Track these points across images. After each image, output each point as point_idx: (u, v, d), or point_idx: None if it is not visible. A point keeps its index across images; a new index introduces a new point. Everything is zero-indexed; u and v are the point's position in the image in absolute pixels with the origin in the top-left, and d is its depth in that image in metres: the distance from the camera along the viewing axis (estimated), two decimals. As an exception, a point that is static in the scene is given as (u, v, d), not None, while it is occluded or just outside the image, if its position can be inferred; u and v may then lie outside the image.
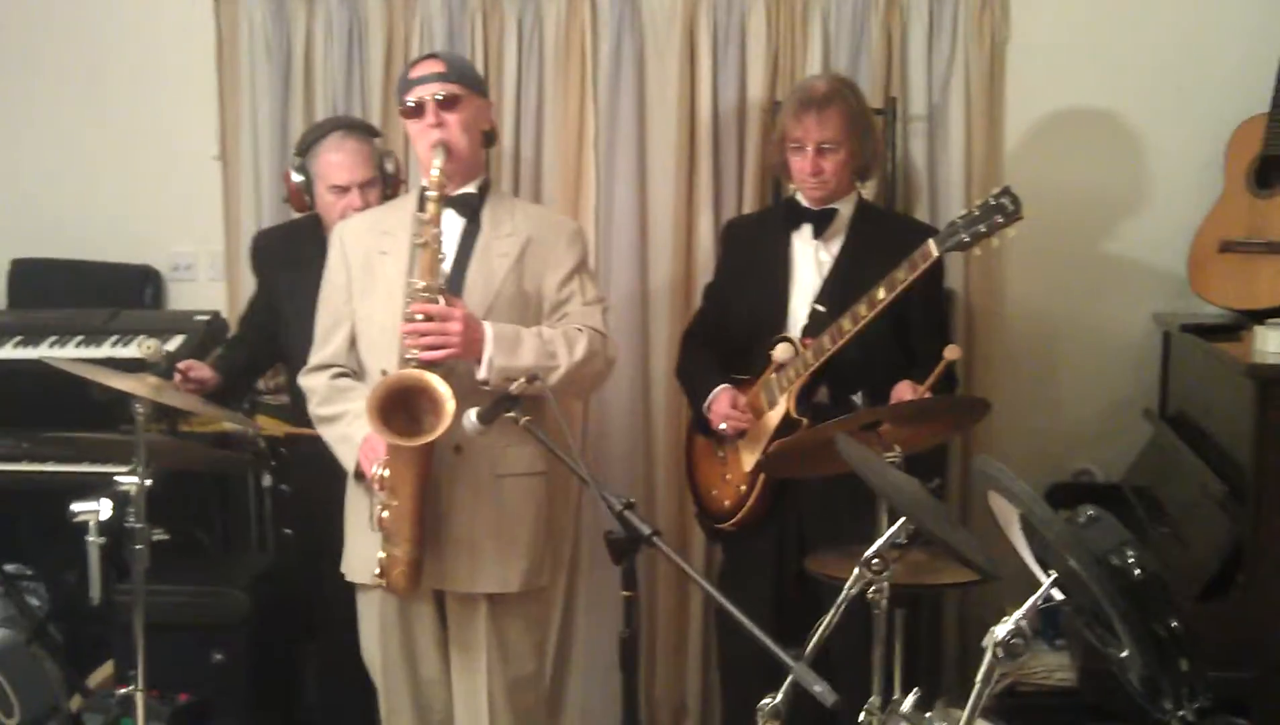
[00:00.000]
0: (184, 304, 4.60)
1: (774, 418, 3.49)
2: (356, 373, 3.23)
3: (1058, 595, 2.05)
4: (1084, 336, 4.30)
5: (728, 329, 3.71)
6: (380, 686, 3.28)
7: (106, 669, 4.02)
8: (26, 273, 4.62)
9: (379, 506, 3.01)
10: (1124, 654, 1.96)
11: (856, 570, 2.57)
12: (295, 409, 3.60)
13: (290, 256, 3.76)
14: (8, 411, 4.21)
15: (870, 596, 2.69)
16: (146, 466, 3.24)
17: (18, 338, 4.23)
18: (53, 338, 4.22)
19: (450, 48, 4.30)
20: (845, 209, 3.60)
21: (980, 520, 3.85)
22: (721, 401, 3.58)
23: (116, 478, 3.24)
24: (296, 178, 3.72)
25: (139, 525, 3.23)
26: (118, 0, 4.60)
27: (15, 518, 4.28)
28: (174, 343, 4.09)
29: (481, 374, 3.01)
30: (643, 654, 4.31)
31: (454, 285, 3.10)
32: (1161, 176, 4.22)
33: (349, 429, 3.14)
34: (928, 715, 2.72)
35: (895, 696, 2.93)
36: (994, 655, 2.01)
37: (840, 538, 3.10)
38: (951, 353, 3.28)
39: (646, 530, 2.46)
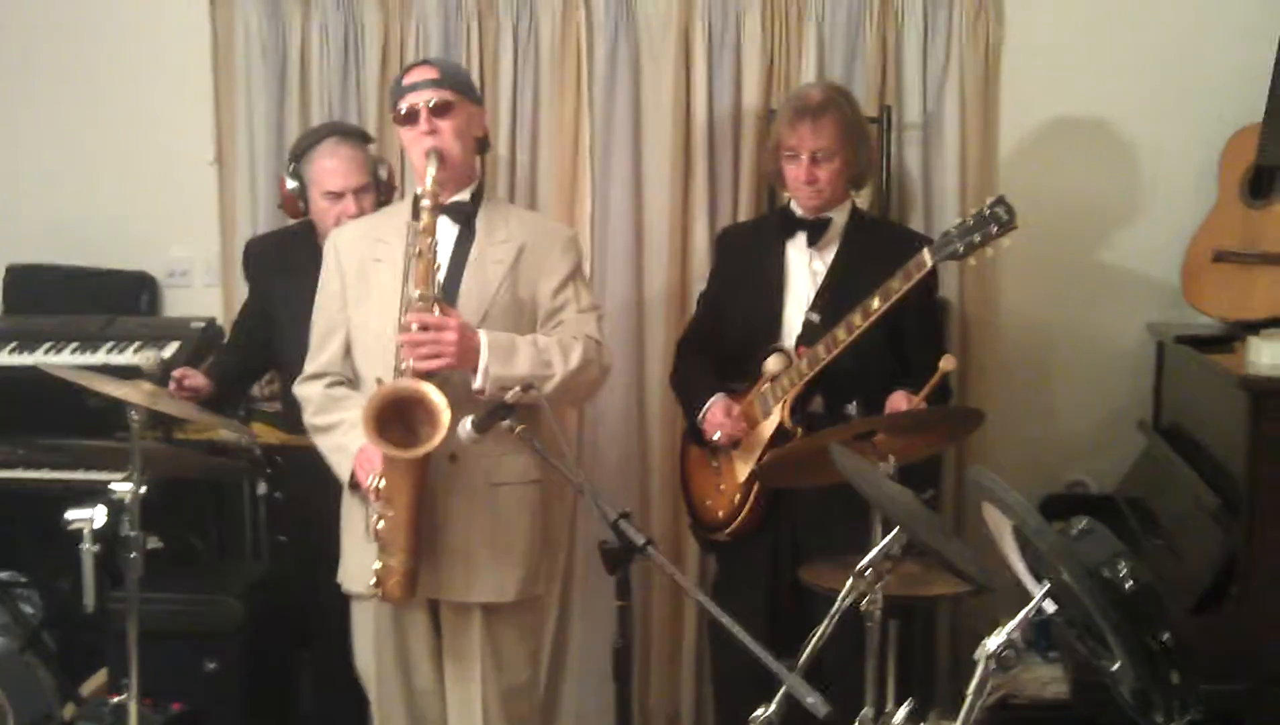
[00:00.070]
0: (180, 310, 4.60)
1: (768, 427, 3.49)
2: (351, 381, 3.23)
3: (1050, 607, 2.06)
4: (1078, 347, 4.30)
5: (722, 338, 3.71)
6: (373, 697, 3.27)
7: (100, 677, 4.01)
8: (22, 279, 4.61)
9: (375, 517, 3.00)
10: (1116, 666, 1.97)
11: (850, 581, 2.58)
12: (289, 417, 3.60)
13: (283, 263, 3.77)
14: (3, 418, 4.19)
15: (864, 607, 2.70)
16: (141, 474, 3.24)
17: (13, 344, 4.23)
18: (48, 344, 4.22)
19: (445, 52, 4.31)
20: (839, 217, 3.60)
21: (974, 531, 3.84)
22: (715, 411, 3.58)
23: (111, 485, 3.24)
24: (291, 184, 3.72)
25: (133, 533, 3.23)
26: (113, 5, 4.60)
27: (10, 524, 4.27)
28: (169, 349, 4.09)
29: (478, 383, 3.01)
30: (637, 664, 4.31)
31: (448, 293, 3.10)
32: (1156, 186, 4.23)
33: (344, 439, 3.14)
34: (921, 726, 2.73)
35: (888, 708, 2.93)
36: (986, 667, 2.02)
37: (834, 548, 3.11)
38: (947, 363, 3.28)
39: (640, 540, 2.47)
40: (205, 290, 4.60)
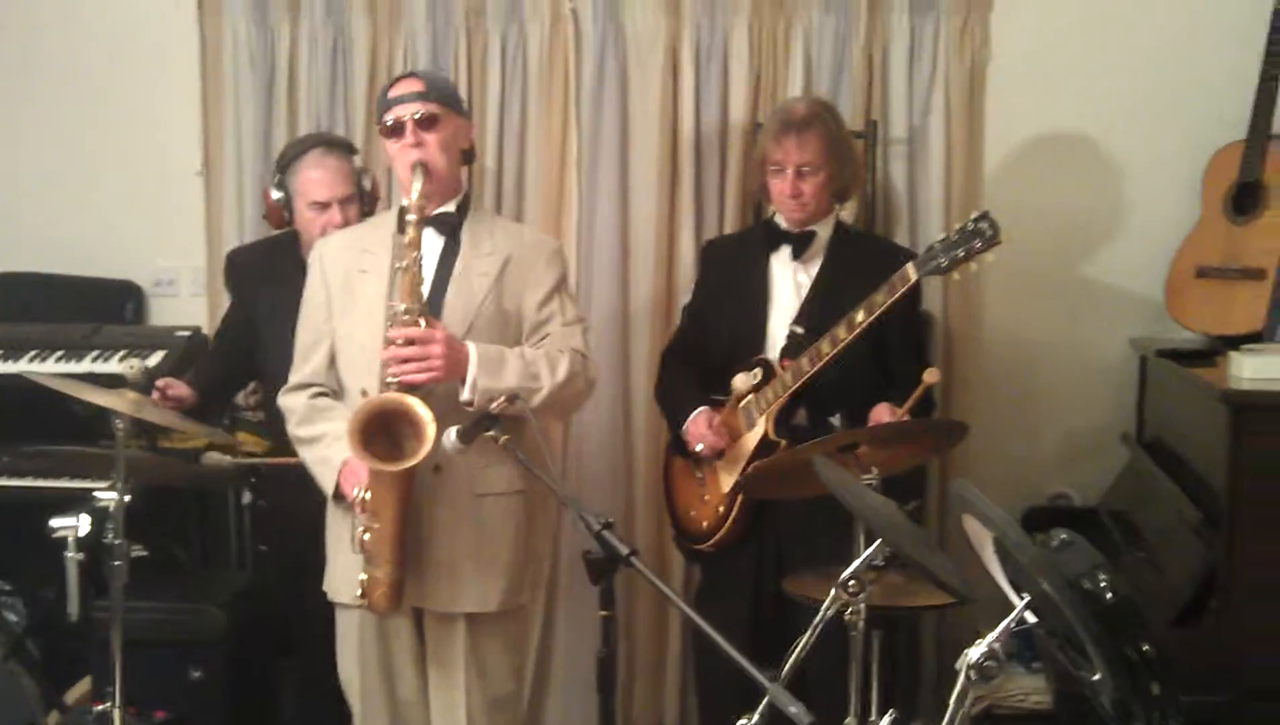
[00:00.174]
0: (166, 319, 4.59)
1: (752, 439, 3.51)
2: (336, 392, 3.23)
3: (1031, 618, 2.07)
4: (1062, 360, 4.32)
5: (706, 349, 3.72)
6: (357, 708, 3.27)
7: (84, 685, 4.00)
8: (8, 287, 4.60)
9: (360, 529, 3.01)
10: (1096, 677, 1.98)
11: (833, 591, 2.58)
12: (273, 426, 3.60)
13: (267, 273, 3.77)
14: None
15: (847, 618, 2.71)
16: (126, 482, 3.24)
17: (-1, 352, 4.23)
18: (34, 352, 4.21)
19: (434, 64, 4.33)
20: (824, 231, 3.62)
21: (959, 543, 3.85)
22: (699, 423, 3.59)
23: (95, 493, 3.24)
24: (276, 194, 3.73)
25: (118, 541, 3.23)
26: (100, 15, 4.60)
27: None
28: (155, 359, 4.09)
29: (465, 395, 3.01)
30: (621, 674, 4.31)
31: (434, 304, 3.10)
32: (1139, 202, 4.26)
33: (328, 451, 3.14)
34: (904, 736, 2.74)
35: (871, 718, 2.94)
36: (967, 677, 2.03)
37: (818, 559, 3.12)
38: (930, 376, 3.30)
39: (624, 550, 2.47)
40: (191, 299, 4.60)
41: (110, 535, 3.23)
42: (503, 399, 2.81)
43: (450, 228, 3.21)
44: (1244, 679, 3.20)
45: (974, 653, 2.03)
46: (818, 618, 2.57)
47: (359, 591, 3.03)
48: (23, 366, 4.11)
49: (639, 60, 4.31)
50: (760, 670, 2.31)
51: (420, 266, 3.03)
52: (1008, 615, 2.09)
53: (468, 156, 3.30)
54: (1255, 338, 3.75)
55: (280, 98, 4.45)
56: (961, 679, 2.05)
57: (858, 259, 3.56)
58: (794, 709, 2.20)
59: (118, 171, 4.63)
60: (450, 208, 3.22)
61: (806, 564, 3.20)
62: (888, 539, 2.43)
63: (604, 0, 4.30)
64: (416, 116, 3.11)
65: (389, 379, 2.99)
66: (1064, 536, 2.07)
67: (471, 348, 3.03)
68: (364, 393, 3.07)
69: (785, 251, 3.61)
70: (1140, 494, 3.88)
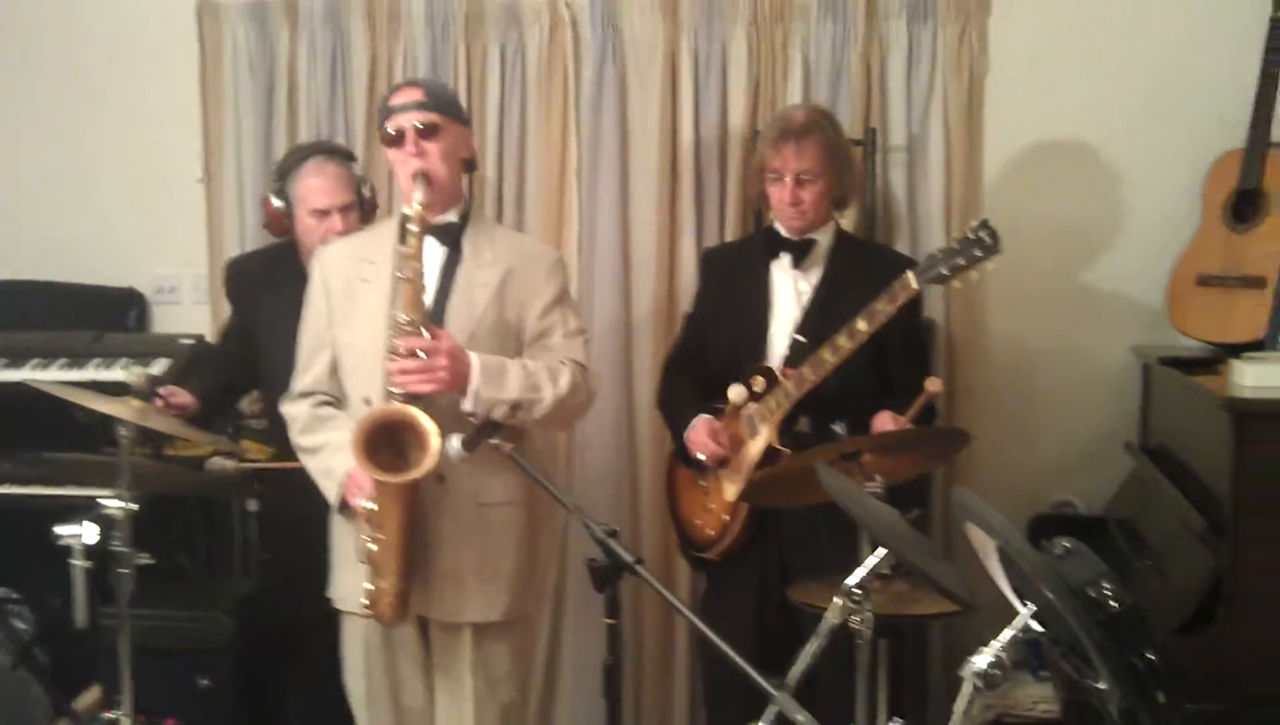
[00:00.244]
0: (168, 327, 4.61)
1: (756, 447, 3.51)
2: (338, 399, 3.23)
3: (1036, 626, 2.08)
4: (1064, 368, 4.33)
5: (707, 358, 3.73)
6: (362, 718, 3.28)
7: (94, 692, 4.01)
8: (10, 294, 4.61)
9: (365, 539, 3.01)
10: (1101, 686, 1.99)
11: (837, 600, 2.59)
12: (275, 434, 3.60)
13: (266, 281, 3.78)
14: (-8, 433, 4.21)
15: (853, 626, 2.71)
16: (131, 490, 3.24)
17: (2, 360, 4.23)
18: (36, 360, 4.22)
19: (433, 71, 4.34)
20: (824, 239, 3.63)
21: (964, 551, 3.86)
22: (700, 431, 3.60)
23: (101, 501, 3.24)
24: (276, 202, 3.74)
25: (124, 549, 3.24)
26: (100, 22, 4.61)
27: (0, 540, 4.27)
28: (157, 366, 4.10)
29: (467, 406, 3.02)
30: (630, 682, 4.32)
31: (436, 314, 3.11)
32: (1140, 210, 4.26)
33: (331, 461, 3.14)
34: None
35: (877, 726, 2.95)
36: (973, 686, 2.04)
37: (820, 567, 3.12)
38: (933, 386, 3.32)
39: (629, 558, 2.48)
40: (193, 307, 4.61)
41: (116, 543, 3.23)
42: (505, 406, 2.81)
43: (452, 237, 3.21)
44: (1248, 687, 3.19)
45: (979, 661, 2.04)
46: (821, 626, 2.57)
47: (365, 601, 3.04)
48: (25, 374, 4.12)
49: (638, 68, 4.33)
50: (767, 679, 2.32)
51: (422, 277, 3.03)
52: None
53: (469, 165, 3.30)
54: (1257, 346, 3.76)
55: (280, 105, 4.47)
56: (967, 687, 2.05)
57: (858, 267, 3.57)
58: (801, 718, 2.21)
59: (119, 179, 4.65)
60: (452, 217, 3.22)
61: (809, 572, 3.20)
62: (890, 547, 2.44)
63: (602, 7, 4.31)
64: (417, 126, 3.11)
65: (393, 389, 2.99)
66: (1067, 545, 2.08)
67: (474, 358, 3.04)
68: (367, 401, 3.08)
69: (786, 259, 3.62)
70: (1145, 502, 3.88)
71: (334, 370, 3.23)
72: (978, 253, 3.25)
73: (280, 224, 3.77)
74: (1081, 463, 4.30)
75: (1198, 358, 3.91)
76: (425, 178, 3.08)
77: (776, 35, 4.27)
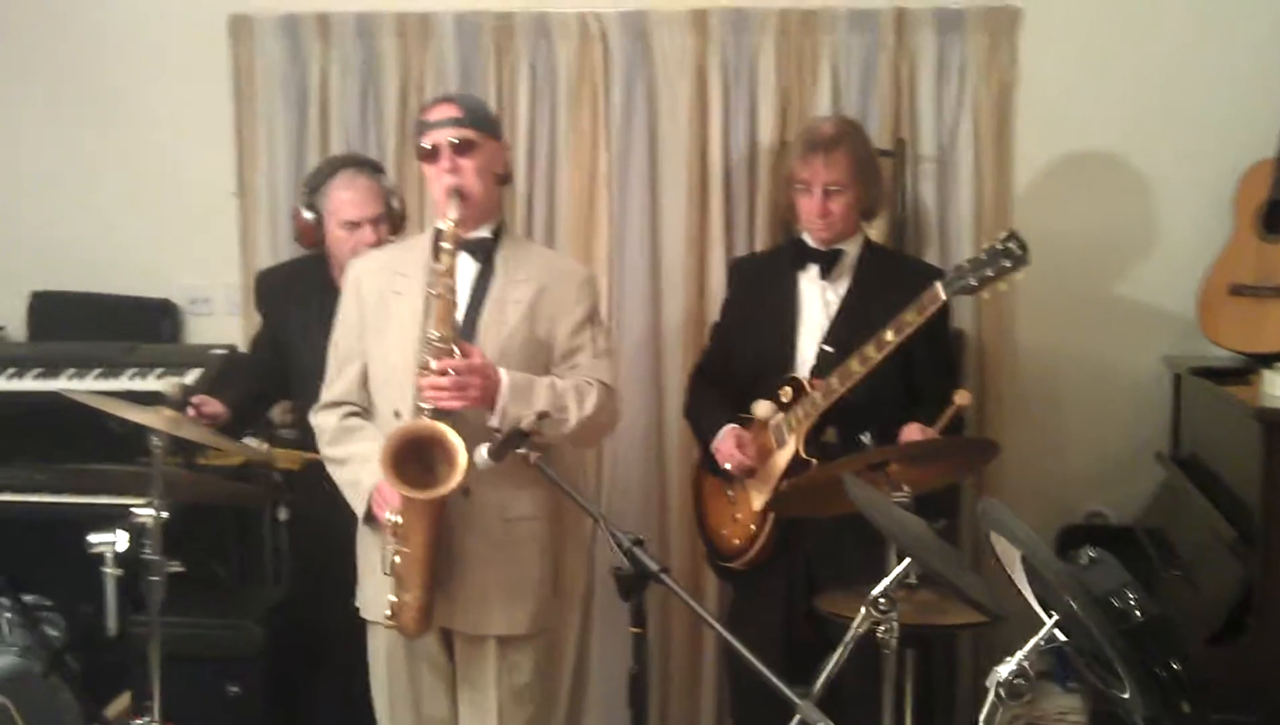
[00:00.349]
0: (201, 337, 4.65)
1: (783, 457, 3.51)
2: (366, 410, 3.24)
3: (1061, 636, 2.07)
4: (1095, 378, 4.32)
5: (735, 368, 3.73)
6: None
7: (124, 700, 4.04)
8: (46, 305, 4.68)
9: (391, 552, 3.02)
10: (1126, 696, 1.98)
11: (863, 609, 2.59)
12: (306, 444, 3.62)
13: (295, 293, 3.82)
14: (27, 443, 4.25)
15: (879, 636, 2.71)
16: (163, 499, 3.27)
17: (37, 370, 4.28)
18: (71, 370, 4.26)
19: (464, 85, 4.36)
20: (852, 249, 3.63)
21: (994, 561, 3.86)
22: (727, 441, 3.60)
23: (133, 509, 3.28)
24: (307, 215, 3.77)
25: (155, 557, 3.27)
26: (136, 36, 4.66)
27: (34, 548, 4.30)
28: (190, 376, 4.13)
29: (494, 422, 3.01)
30: (658, 692, 4.33)
31: (467, 329, 3.11)
32: (1171, 219, 4.25)
33: (358, 474, 3.16)
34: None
35: (904, 736, 2.94)
36: (996, 695, 2.03)
37: (847, 577, 3.12)
38: (962, 398, 3.32)
39: (654, 567, 2.48)
40: (226, 318, 4.66)
41: (147, 551, 3.26)
42: (532, 416, 2.83)
43: (485, 253, 3.21)
44: (1277, 697, 3.17)
45: (1003, 670, 2.03)
46: (848, 635, 2.57)
47: (388, 612, 3.06)
48: (61, 384, 4.16)
49: (667, 80, 4.34)
50: (792, 688, 2.32)
51: (454, 293, 3.04)
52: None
53: (503, 180, 3.30)
54: (1289, 356, 3.74)
55: (312, 118, 4.51)
56: (991, 697, 2.05)
57: (886, 277, 3.57)
58: (824, 726, 2.21)
59: (155, 193, 4.69)
60: (485, 233, 3.22)
61: (836, 582, 3.21)
62: (916, 557, 2.44)
63: (631, 20, 4.34)
64: (452, 142, 3.12)
65: (423, 404, 3.00)
66: (1092, 554, 2.08)
67: (504, 375, 3.05)
68: (396, 414, 3.10)
69: (813, 270, 3.62)
70: (1176, 512, 3.86)
71: (363, 381, 3.24)
72: (1006, 264, 3.25)
73: (311, 236, 3.80)
74: (1113, 473, 4.29)
75: (1229, 368, 3.89)
76: (459, 194, 3.09)
77: (805, 46, 4.27)
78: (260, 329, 4.04)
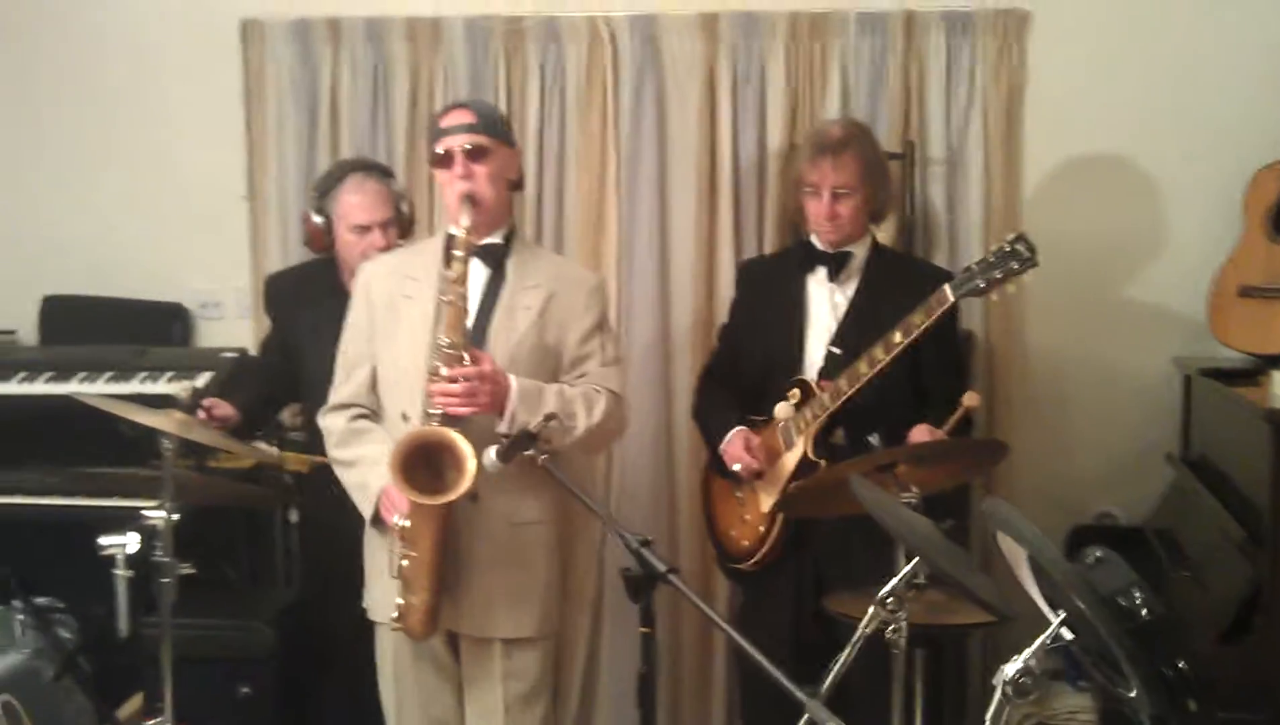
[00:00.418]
0: (212, 341, 4.67)
1: (791, 459, 3.52)
2: (375, 413, 3.25)
3: (1067, 635, 2.07)
4: (1105, 379, 4.32)
5: (743, 370, 3.74)
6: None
7: (136, 701, 4.05)
8: (58, 310, 4.69)
9: (398, 555, 3.03)
10: (1132, 694, 1.98)
11: (871, 609, 2.59)
12: (315, 446, 3.64)
13: (304, 297, 3.83)
14: (39, 446, 4.26)
15: (888, 636, 2.71)
16: (174, 501, 3.29)
17: (49, 374, 4.30)
18: (83, 374, 4.28)
19: (473, 89, 4.38)
20: (860, 252, 3.63)
21: (1003, 561, 3.86)
22: (735, 444, 3.61)
23: (144, 512, 3.29)
24: (317, 219, 3.78)
25: (166, 559, 3.28)
26: (148, 41, 4.68)
27: (47, 551, 4.32)
28: (201, 379, 4.15)
29: (503, 428, 3.01)
30: (668, 693, 4.33)
31: (476, 335, 3.12)
32: (1180, 221, 4.25)
33: (366, 477, 3.16)
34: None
35: (913, 736, 2.95)
36: (1003, 694, 2.04)
37: (854, 577, 3.13)
38: (970, 400, 3.32)
39: (662, 567, 2.48)
40: (237, 321, 4.67)
41: (158, 553, 3.28)
42: (540, 417, 2.83)
43: (496, 259, 3.22)
44: (1286, 697, 3.18)
45: (1009, 669, 2.04)
46: (855, 635, 2.57)
47: (395, 614, 3.07)
48: (72, 387, 4.17)
49: (676, 83, 4.35)
50: (801, 688, 2.32)
51: (465, 300, 3.04)
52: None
53: (515, 186, 3.31)
54: (1298, 357, 3.74)
55: (322, 122, 4.52)
56: (997, 695, 2.05)
57: (894, 280, 3.57)
58: (831, 725, 2.21)
59: (165, 197, 4.71)
60: (496, 239, 3.23)
61: (844, 583, 3.21)
62: (924, 557, 2.44)
63: (640, 23, 4.35)
64: (466, 148, 3.13)
65: (432, 410, 3.01)
66: (1098, 554, 2.08)
67: (513, 382, 3.05)
68: (405, 417, 3.11)
69: (822, 272, 3.63)
70: (1185, 513, 3.86)
71: (372, 384, 3.25)
72: (1014, 266, 3.25)
73: (320, 240, 3.81)
74: (1123, 474, 4.29)
75: (1239, 369, 3.89)
76: (472, 200, 3.09)
77: (815, 50, 4.28)
78: (270, 332, 4.06)
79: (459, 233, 3.05)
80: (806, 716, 2.32)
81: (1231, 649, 3.19)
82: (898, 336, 3.33)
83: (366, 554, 3.28)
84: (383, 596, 3.15)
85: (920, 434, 3.38)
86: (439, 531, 3.00)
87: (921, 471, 3.08)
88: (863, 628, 2.58)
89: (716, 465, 3.73)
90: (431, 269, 3.19)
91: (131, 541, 3.28)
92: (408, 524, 3.00)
